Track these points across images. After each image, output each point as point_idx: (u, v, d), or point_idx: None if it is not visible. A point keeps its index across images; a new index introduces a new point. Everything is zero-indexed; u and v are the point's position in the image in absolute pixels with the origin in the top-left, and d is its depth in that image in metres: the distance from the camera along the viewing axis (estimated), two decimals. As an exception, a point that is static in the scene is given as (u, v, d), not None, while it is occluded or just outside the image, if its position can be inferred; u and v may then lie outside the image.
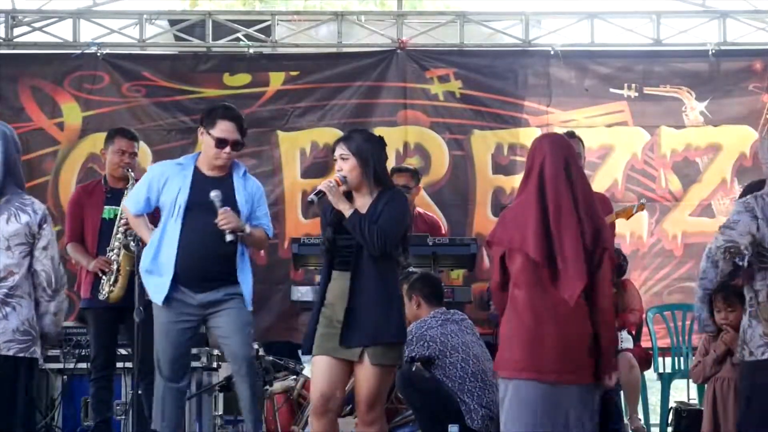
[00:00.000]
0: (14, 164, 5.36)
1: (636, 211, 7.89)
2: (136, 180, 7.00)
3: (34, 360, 5.34)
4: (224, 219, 6.30)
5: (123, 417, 7.38)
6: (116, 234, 7.27)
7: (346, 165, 5.81)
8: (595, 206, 5.20)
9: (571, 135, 7.38)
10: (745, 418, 5.43)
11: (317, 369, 5.78)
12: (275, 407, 7.63)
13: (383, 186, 5.86)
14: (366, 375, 5.70)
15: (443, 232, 9.00)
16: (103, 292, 7.21)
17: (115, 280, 7.21)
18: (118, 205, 7.35)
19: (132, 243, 6.88)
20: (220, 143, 6.44)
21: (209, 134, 6.47)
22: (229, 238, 6.30)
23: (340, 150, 5.84)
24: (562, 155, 5.22)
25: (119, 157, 7.56)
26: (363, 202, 5.81)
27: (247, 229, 6.41)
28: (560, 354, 5.02)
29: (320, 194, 5.80)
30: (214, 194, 6.34)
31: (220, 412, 8.25)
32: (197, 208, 6.36)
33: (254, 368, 6.52)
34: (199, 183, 6.43)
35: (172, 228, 6.36)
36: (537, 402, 5.05)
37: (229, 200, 6.42)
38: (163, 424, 6.40)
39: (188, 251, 6.32)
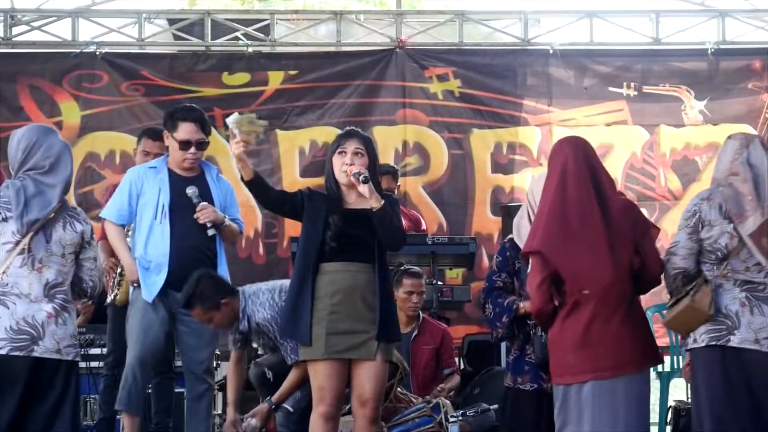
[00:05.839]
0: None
1: None
2: None
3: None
4: (203, 213, 6.38)
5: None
6: None
7: (360, 161, 5.55)
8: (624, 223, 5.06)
9: None
10: (697, 407, 5.25)
11: (328, 373, 5.50)
12: (274, 406, 7.60)
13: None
14: (376, 371, 5.51)
15: (423, 227, 8.92)
16: (112, 295, 7.24)
17: (119, 284, 7.23)
18: None
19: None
20: (184, 145, 6.47)
21: (173, 137, 6.50)
22: (210, 232, 6.40)
23: (356, 144, 5.57)
24: (586, 163, 5.11)
25: (152, 158, 7.63)
26: (357, 202, 5.57)
27: (226, 220, 6.49)
28: (612, 349, 4.92)
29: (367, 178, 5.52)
30: (191, 191, 6.43)
31: (220, 412, 8.23)
32: (179, 208, 6.42)
33: (209, 388, 6.68)
34: (176, 183, 6.47)
35: (159, 228, 6.39)
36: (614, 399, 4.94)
37: (206, 197, 6.50)
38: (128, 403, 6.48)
39: (181, 250, 6.37)
